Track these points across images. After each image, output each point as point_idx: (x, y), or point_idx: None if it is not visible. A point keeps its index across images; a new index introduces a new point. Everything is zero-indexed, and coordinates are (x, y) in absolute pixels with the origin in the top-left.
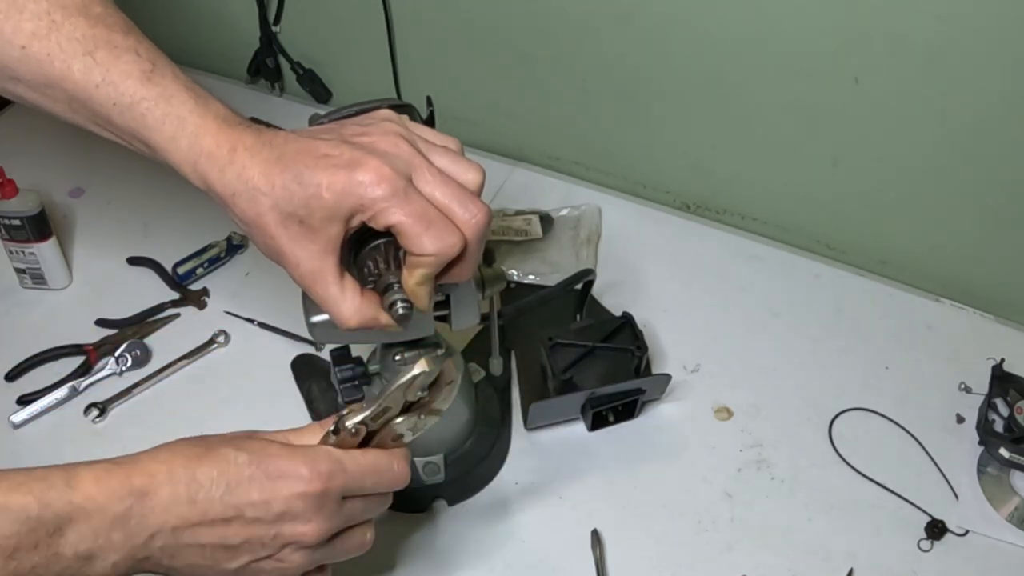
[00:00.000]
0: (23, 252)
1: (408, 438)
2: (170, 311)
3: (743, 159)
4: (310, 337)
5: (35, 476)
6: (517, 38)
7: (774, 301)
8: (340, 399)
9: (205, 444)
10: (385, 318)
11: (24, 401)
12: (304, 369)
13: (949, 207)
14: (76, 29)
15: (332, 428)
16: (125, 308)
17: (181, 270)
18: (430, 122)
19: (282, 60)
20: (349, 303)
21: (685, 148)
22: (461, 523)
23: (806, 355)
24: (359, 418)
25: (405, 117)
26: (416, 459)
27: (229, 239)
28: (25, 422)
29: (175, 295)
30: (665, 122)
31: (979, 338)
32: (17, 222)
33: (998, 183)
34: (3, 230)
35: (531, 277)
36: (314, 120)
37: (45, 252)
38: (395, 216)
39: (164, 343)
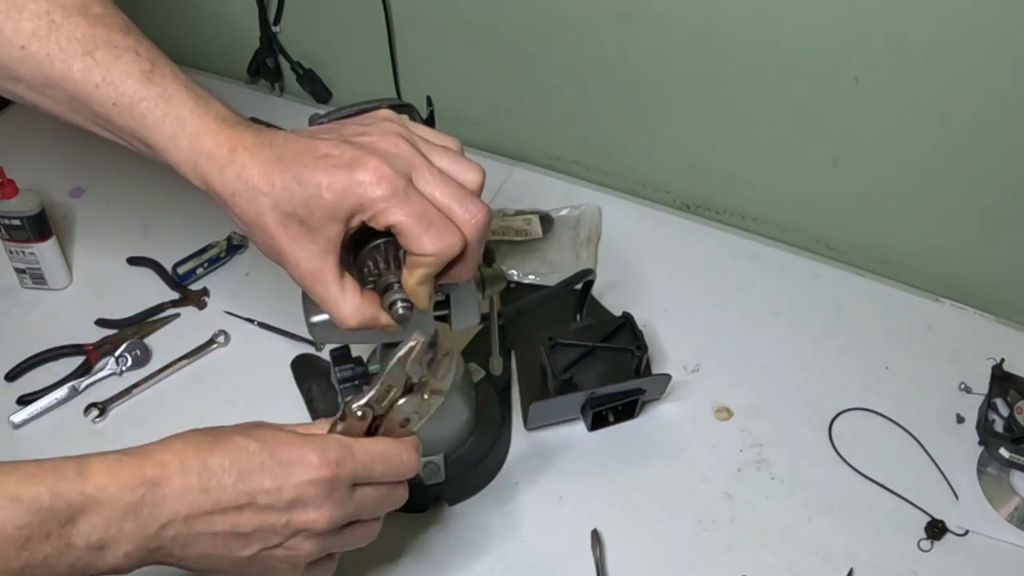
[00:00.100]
0: (23, 252)
1: (415, 422)
2: (170, 311)
3: (743, 159)
4: (310, 337)
5: (47, 467)
6: (517, 38)
7: (774, 301)
8: (340, 399)
9: (215, 433)
10: (385, 318)
11: (24, 401)
12: (304, 369)
13: (949, 207)
14: (76, 29)
15: (339, 415)
16: (125, 308)
17: (181, 270)
18: (430, 122)
19: (282, 60)
20: (349, 303)
21: (685, 148)
22: (461, 523)
23: (806, 355)
24: (364, 400)
25: (405, 117)
26: None
27: (229, 239)
28: (25, 422)
29: (175, 295)
30: (665, 122)
31: (979, 338)
32: (17, 222)
33: (998, 183)
34: (3, 230)
35: (531, 277)
36: (314, 120)
37: (45, 252)
38: (395, 216)
39: (164, 343)
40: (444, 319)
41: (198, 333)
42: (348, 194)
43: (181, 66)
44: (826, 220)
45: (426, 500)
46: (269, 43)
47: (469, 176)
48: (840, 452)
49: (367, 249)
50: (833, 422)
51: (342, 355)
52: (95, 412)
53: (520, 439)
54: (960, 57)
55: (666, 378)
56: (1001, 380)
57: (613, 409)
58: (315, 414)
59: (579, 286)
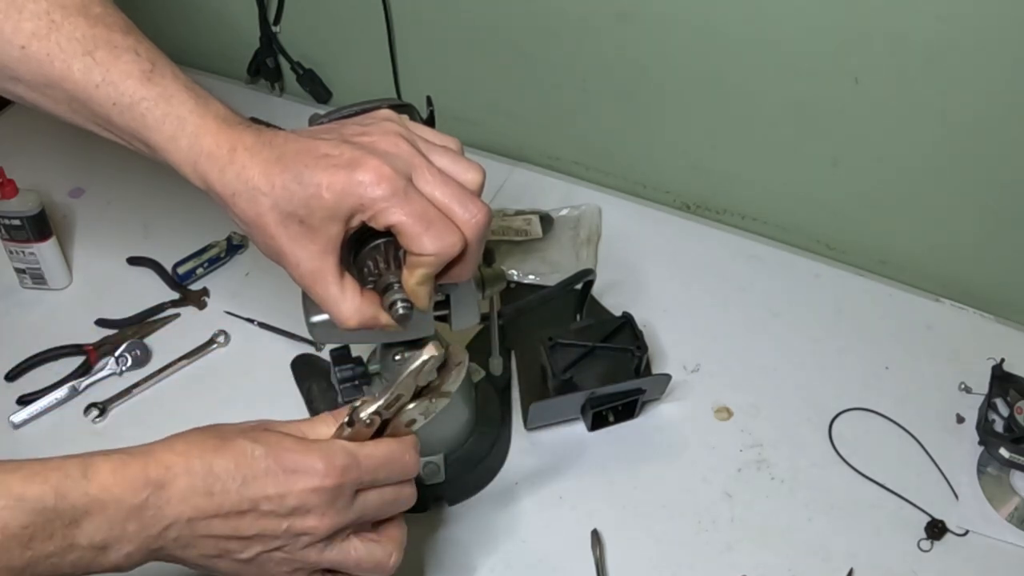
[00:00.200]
0: (23, 252)
1: (420, 422)
2: (170, 311)
3: (743, 159)
4: (310, 337)
5: (51, 466)
6: (517, 38)
7: (774, 301)
8: (340, 399)
9: (220, 435)
10: (385, 318)
11: (24, 401)
12: (304, 369)
13: (949, 207)
14: (76, 29)
15: (346, 420)
16: (125, 308)
17: (181, 270)
18: (430, 122)
19: (282, 60)
20: (349, 303)
21: (685, 148)
22: (461, 523)
23: (806, 355)
24: (373, 408)
25: (405, 117)
26: None
27: (229, 239)
28: (25, 422)
29: (175, 295)
30: (665, 122)
31: (979, 338)
32: (17, 222)
33: (998, 183)
34: (3, 230)
35: (531, 277)
36: (314, 120)
37: (45, 252)
38: (395, 216)
39: (164, 343)
40: (444, 319)
41: (198, 333)
42: (348, 194)
43: (181, 66)
44: (826, 220)
45: (426, 500)
46: (269, 43)
47: (469, 176)
48: (840, 452)
49: (367, 249)
50: (833, 422)
51: (342, 355)
52: (95, 412)
53: (520, 439)
54: (960, 57)
55: (666, 378)
56: (1001, 380)
57: (613, 409)
58: (315, 414)
59: (579, 286)
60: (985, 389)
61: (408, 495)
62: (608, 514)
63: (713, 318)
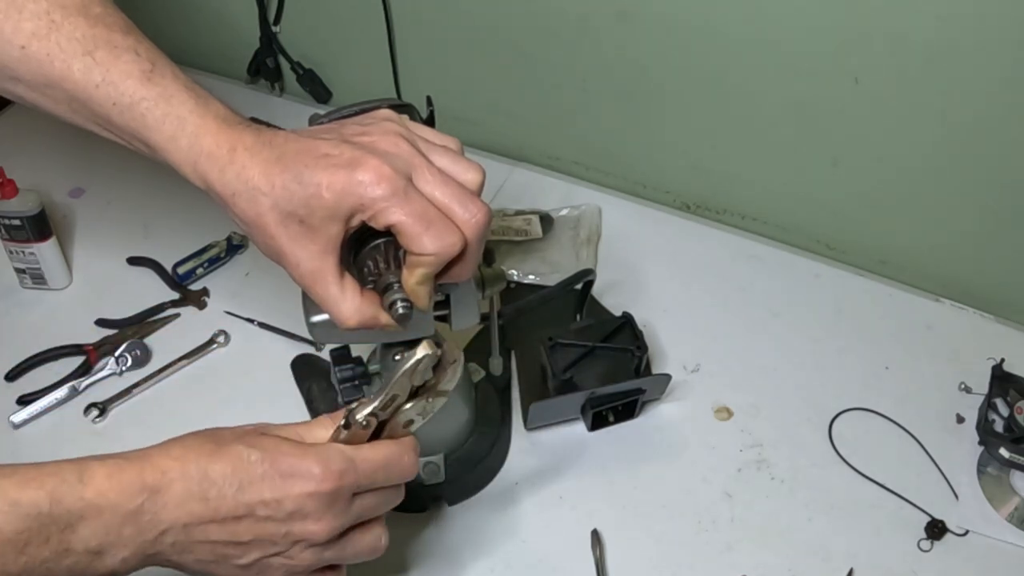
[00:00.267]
0: (23, 252)
1: (418, 423)
2: (170, 311)
3: (743, 159)
4: (310, 337)
5: (47, 471)
6: (517, 38)
7: (774, 301)
8: (340, 399)
9: (217, 440)
10: (385, 318)
11: (24, 401)
12: (304, 369)
13: (949, 207)
14: (76, 29)
15: (343, 423)
16: (125, 308)
17: (181, 270)
18: (430, 122)
19: (282, 60)
20: (349, 303)
21: (685, 148)
22: (461, 523)
23: (806, 355)
24: (368, 410)
25: (405, 117)
26: None
27: (229, 239)
28: (25, 422)
29: (175, 295)
30: (665, 122)
31: (979, 338)
32: (17, 222)
33: (998, 183)
34: (3, 230)
35: (531, 277)
36: (314, 120)
37: (45, 252)
38: (395, 216)
39: (164, 343)
40: (444, 319)
41: (198, 333)
42: (348, 194)
43: (181, 66)
44: (826, 220)
45: (426, 500)
46: (269, 43)
47: (469, 176)
48: (840, 452)
49: (367, 249)
50: (833, 422)
51: (342, 355)
52: (95, 412)
53: (520, 439)
54: (960, 57)
55: (666, 378)
56: (1001, 380)
57: (613, 409)
58: (315, 414)
59: (579, 286)
60: (985, 389)
61: (398, 495)
62: (608, 514)
63: (713, 318)
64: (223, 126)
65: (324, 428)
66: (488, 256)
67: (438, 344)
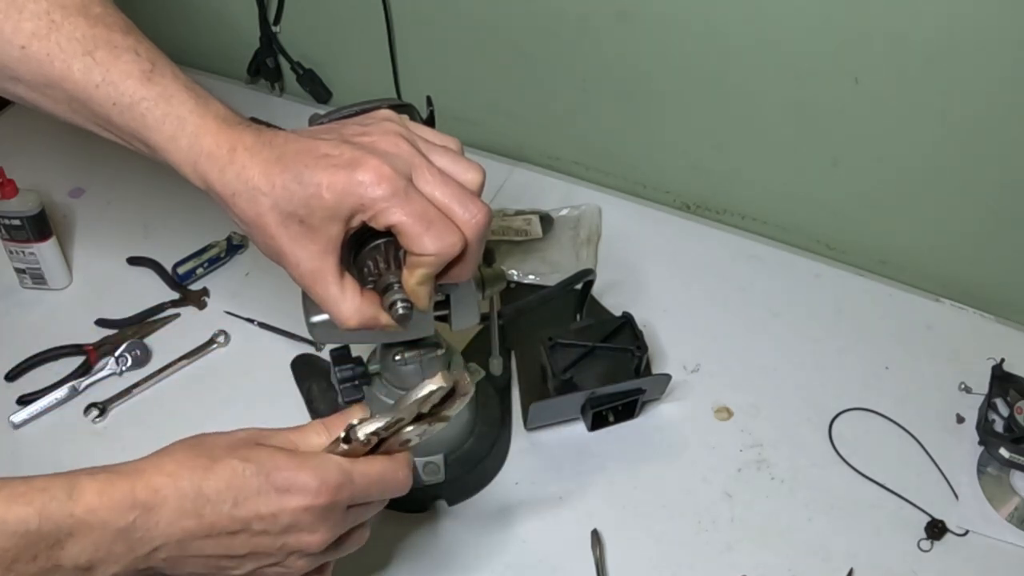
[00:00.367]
0: (23, 252)
1: (415, 442)
2: (170, 311)
3: (743, 159)
4: (310, 337)
5: (36, 486)
6: (517, 38)
7: (774, 301)
8: (340, 399)
9: (210, 454)
10: (385, 318)
11: (24, 401)
12: (304, 369)
13: (949, 207)
14: (76, 29)
15: (343, 436)
16: (125, 308)
17: (181, 270)
18: (430, 122)
19: (282, 60)
20: (349, 303)
21: (685, 148)
22: (461, 523)
23: (806, 355)
24: (372, 429)
25: (405, 117)
26: (416, 459)
27: (229, 239)
28: (25, 422)
29: (175, 295)
30: (665, 122)
31: (979, 338)
32: (17, 222)
33: (998, 183)
34: (3, 230)
35: (531, 277)
36: (314, 120)
37: (45, 252)
38: (395, 216)
39: (164, 343)
40: (444, 319)
41: (198, 333)
42: (348, 194)
43: (181, 66)
44: (826, 220)
45: (426, 500)
46: (269, 43)
47: (469, 176)
48: (840, 452)
49: (367, 249)
50: (833, 422)
51: (342, 355)
52: (95, 412)
53: (520, 439)
54: (960, 57)
55: (666, 378)
56: (1001, 380)
57: (613, 409)
58: (315, 414)
59: (579, 286)
60: (985, 389)
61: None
62: (608, 514)
63: (713, 318)
64: (223, 126)
65: (318, 435)
66: (488, 256)
67: (453, 376)
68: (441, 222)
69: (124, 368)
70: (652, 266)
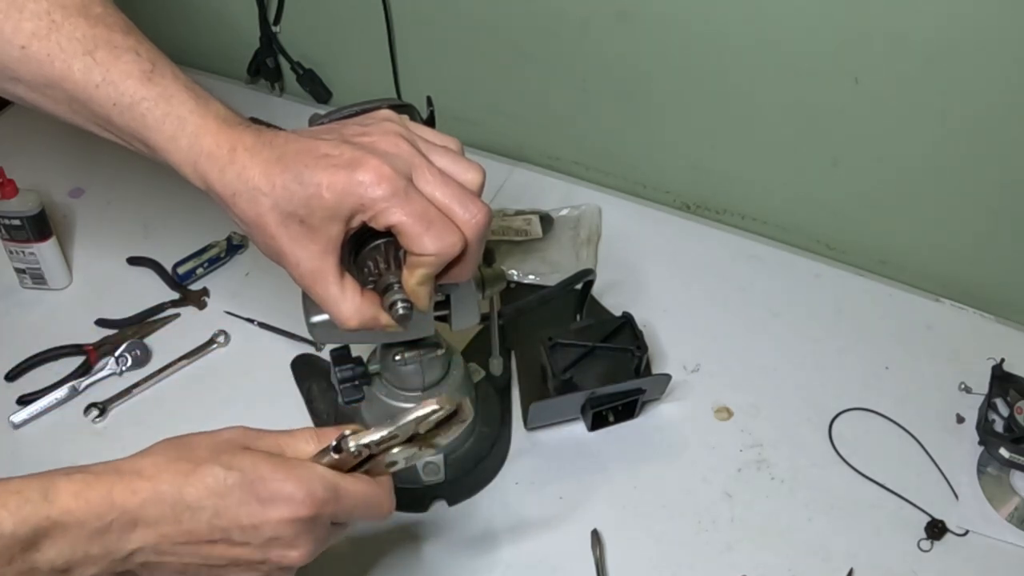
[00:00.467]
0: (23, 252)
1: (400, 466)
2: (170, 311)
3: (743, 159)
4: (310, 337)
5: (11, 488)
6: (517, 38)
7: (774, 301)
8: (340, 399)
9: (192, 457)
10: (385, 318)
11: (24, 401)
12: (304, 369)
13: (949, 207)
14: (76, 29)
15: (333, 445)
16: (125, 308)
17: (181, 270)
18: (430, 122)
19: (282, 60)
20: (349, 303)
21: (685, 148)
22: (461, 523)
23: (806, 355)
24: (364, 441)
25: (405, 117)
26: None
27: (229, 239)
28: (25, 422)
29: (175, 295)
30: (665, 122)
31: (979, 338)
32: (17, 222)
33: (998, 183)
34: (3, 230)
35: (531, 277)
36: (314, 120)
37: (45, 252)
38: (395, 216)
39: (164, 343)
40: (444, 319)
41: (198, 333)
42: (348, 194)
43: (181, 66)
44: (826, 220)
45: (426, 500)
46: (269, 43)
47: (469, 176)
48: (840, 452)
49: (367, 249)
50: (833, 422)
51: (342, 355)
52: (95, 412)
53: (520, 439)
54: (960, 57)
55: (666, 378)
56: (1001, 380)
57: (613, 409)
58: (315, 414)
59: (579, 286)
60: (985, 389)
61: None
62: (608, 514)
63: (713, 318)
64: (223, 126)
65: (306, 443)
66: (488, 256)
67: (455, 401)
68: (441, 222)
69: (124, 368)
70: (652, 266)
